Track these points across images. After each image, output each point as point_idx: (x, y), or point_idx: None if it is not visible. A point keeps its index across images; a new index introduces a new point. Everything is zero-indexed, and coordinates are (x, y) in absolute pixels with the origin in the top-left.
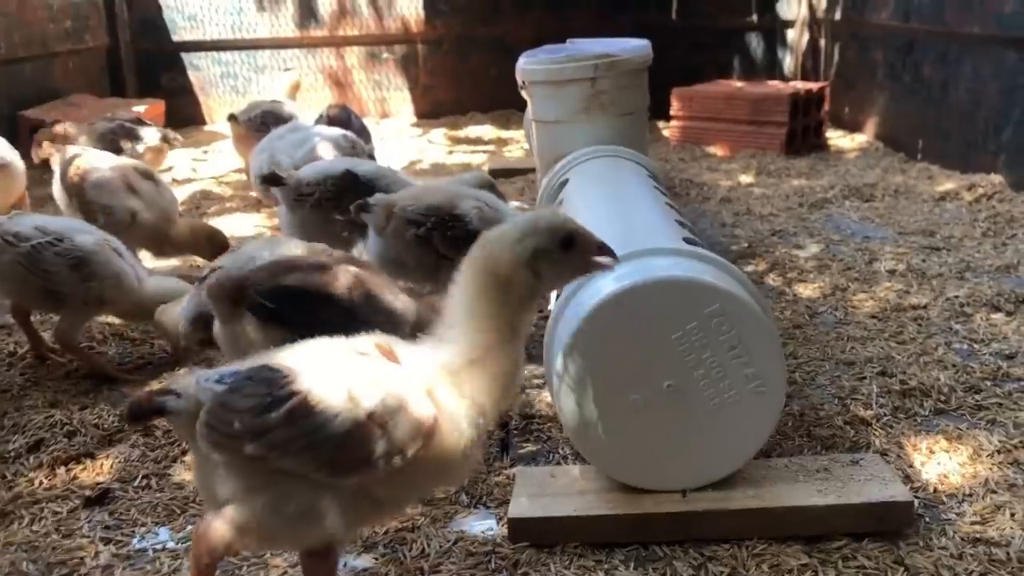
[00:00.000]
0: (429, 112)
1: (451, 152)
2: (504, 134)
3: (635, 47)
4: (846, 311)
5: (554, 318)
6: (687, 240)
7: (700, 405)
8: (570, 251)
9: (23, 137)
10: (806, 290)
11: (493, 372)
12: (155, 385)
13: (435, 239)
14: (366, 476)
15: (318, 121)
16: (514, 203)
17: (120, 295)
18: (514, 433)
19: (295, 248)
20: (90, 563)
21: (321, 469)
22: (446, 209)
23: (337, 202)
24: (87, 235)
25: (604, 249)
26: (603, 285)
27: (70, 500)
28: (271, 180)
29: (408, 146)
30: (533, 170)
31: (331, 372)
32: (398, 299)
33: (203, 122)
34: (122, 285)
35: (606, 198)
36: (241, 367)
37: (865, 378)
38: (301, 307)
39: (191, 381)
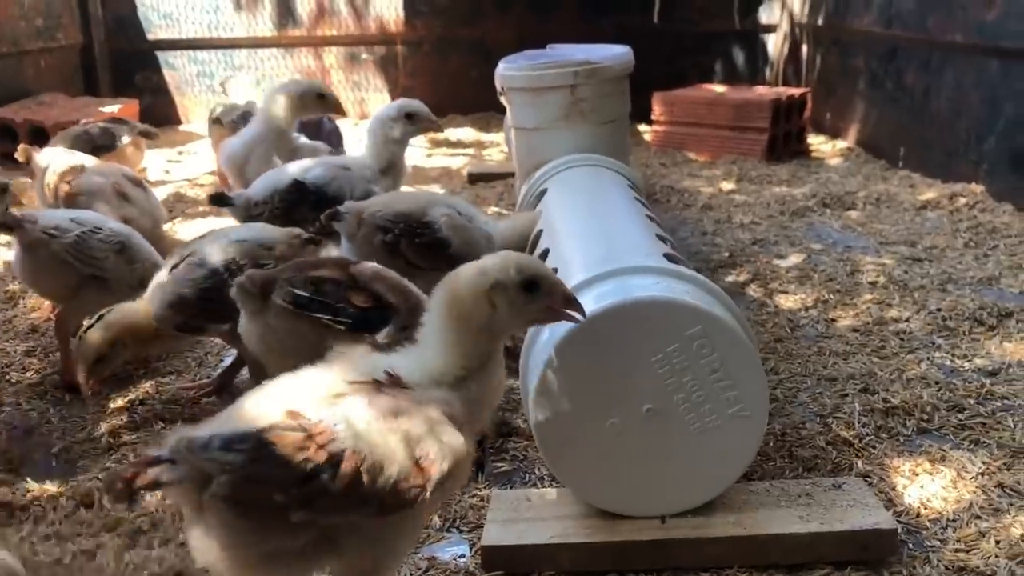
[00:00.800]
0: None
1: (430, 155)
2: (484, 137)
3: (616, 54)
4: (828, 324)
5: (530, 337)
6: (668, 256)
7: (680, 429)
8: (532, 294)
9: None
10: (787, 302)
11: (467, 398)
12: (115, 402)
13: (402, 245)
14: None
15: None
16: (492, 209)
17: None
18: (490, 452)
19: (272, 231)
20: None
21: (370, 516)
22: (415, 216)
23: (289, 215)
24: (117, 223)
25: (572, 303)
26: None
27: None
28: (218, 201)
29: None
30: (511, 174)
31: (362, 420)
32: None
33: (178, 122)
34: (158, 266)
35: (585, 211)
36: (245, 429)
37: (847, 395)
38: (334, 296)
39: (180, 445)
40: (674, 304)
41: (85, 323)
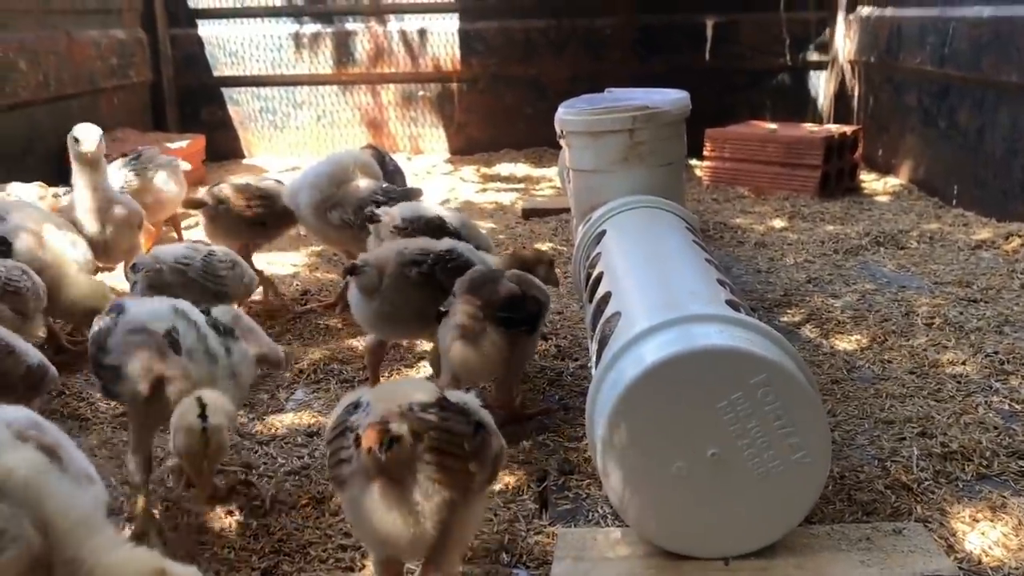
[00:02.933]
0: (462, 149)
1: (483, 190)
2: (536, 172)
3: (674, 99)
4: (884, 366)
5: (596, 383)
6: (729, 302)
7: (744, 474)
8: None
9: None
10: (843, 343)
11: None
12: None
13: (438, 272)
14: None
15: None
16: (547, 244)
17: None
18: (552, 490)
19: None
20: None
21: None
22: (435, 248)
23: None
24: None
25: None
26: (646, 353)
27: None
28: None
29: (440, 183)
30: (566, 210)
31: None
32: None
33: (241, 156)
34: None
35: (646, 255)
36: (424, 398)
37: (905, 439)
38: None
39: (393, 410)
40: (740, 353)
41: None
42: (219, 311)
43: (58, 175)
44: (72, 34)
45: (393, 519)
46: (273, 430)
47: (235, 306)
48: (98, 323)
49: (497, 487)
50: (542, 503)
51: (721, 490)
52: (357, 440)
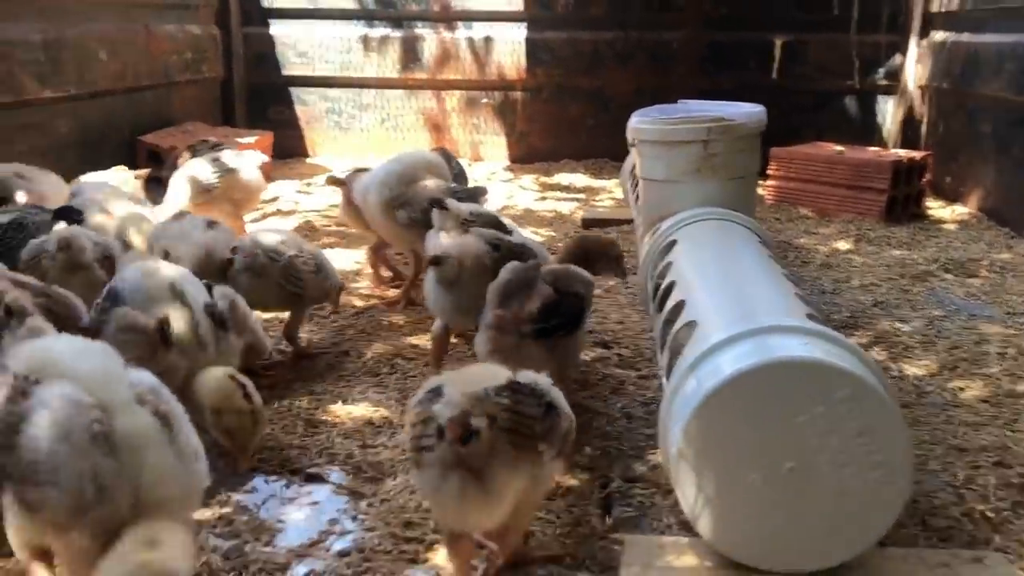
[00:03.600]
0: (522, 157)
1: (543, 198)
2: (596, 183)
3: (750, 112)
4: (955, 393)
5: (672, 391)
6: (809, 316)
7: (821, 489)
8: None
9: (140, 160)
10: (912, 368)
11: None
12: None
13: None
14: None
15: None
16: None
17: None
18: (616, 497)
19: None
20: None
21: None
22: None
23: None
24: (305, 243)
25: None
26: (725, 363)
27: None
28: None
29: (499, 190)
30: (626, 221)
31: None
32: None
33: (306, 155)
34: (339, 284)
35: (719, 265)
36: (497, 381)
37: (980, 468)
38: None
39: (476, 397)
40: (824, 366)
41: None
42: (219, 294)
43: (130, 164)
44: (151, 27)
45: (471, 501)
46: (335, 419)
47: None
48: (92, 311)
49: (560, 491)
50: (605, 509)
51: (796, 505)
52: (440, 432)
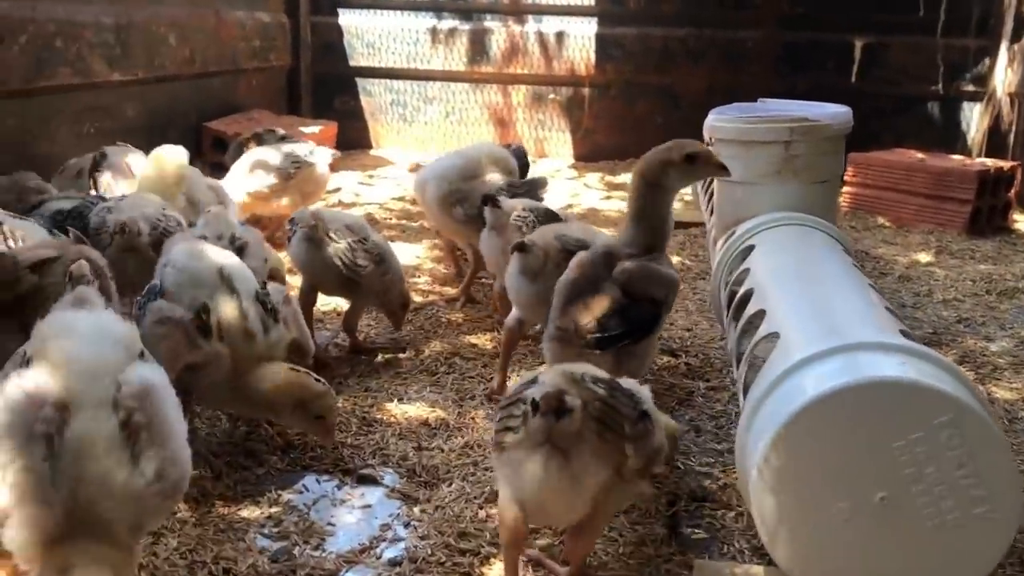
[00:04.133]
0: (587, 155)
1: (608, 198)
2: None
3: (835, 113)
4: None
5: (753, 408)
6: (902, 332)
7: (915, 523)
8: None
9: (205, 146)
10: (1001, 391)
11: None
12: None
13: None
14: None
15: None
16: (675, 259)
17: (400, 286)
18: (683, 516)
19: None
20: None
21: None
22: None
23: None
24: (374, 233)
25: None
26: (813, 381)
27: None
28: (487, 201)
29: (563, 188)
30: (695, 224)
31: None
32: None
33: (370, 146)
34: (402, 278)
35: (802, 274)
36: (598, 374)
37: None
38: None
39: (573, 379)
40: (924, 388)
41: None
42: (274, 289)
43: (195, 150)
44: (220, 13)
45: (553, 481)
46: (389, 418)
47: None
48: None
49: (625, 508)
50: (672, 528)
51: (887, 539)
52: (534, 405)
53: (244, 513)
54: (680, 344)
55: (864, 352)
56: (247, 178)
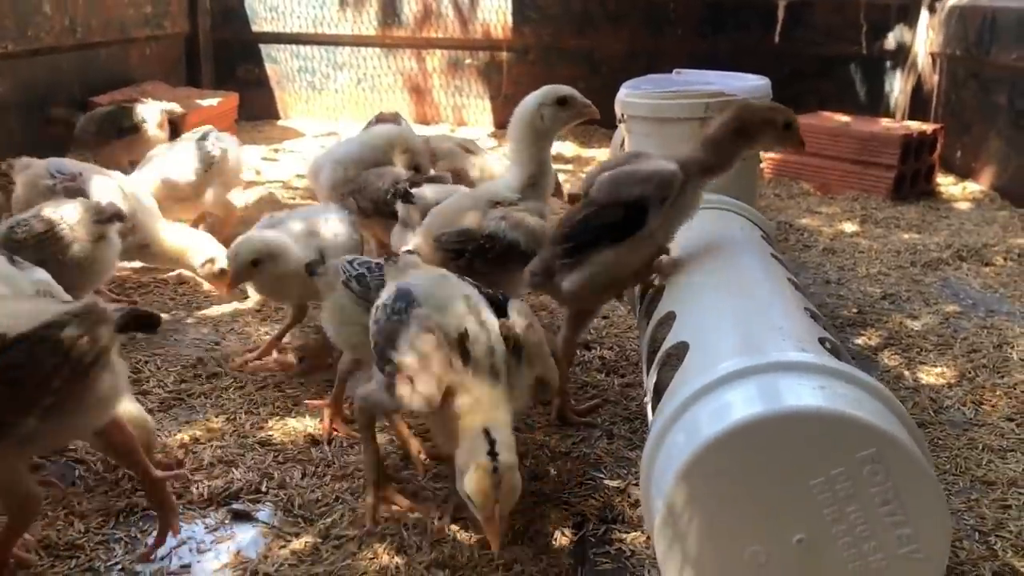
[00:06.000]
0: (508, 122)
1: None
2: (585, 153)
3: (753, 86)
4: (976, 408)
5: (658, 435)
6: (822, 340)
7: (836, 566)
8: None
9: None
10: (928, 376)
11: None
12: None
13: (476, 265)
14: None
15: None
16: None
17: None
18: (591, 542)
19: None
20: None
21: None
22: (477, 233)
23: None
24: None
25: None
26: (726, 406)
27: None
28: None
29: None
30: None
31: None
32: None
33: (277, 117)
34: None
35: (718, 271)
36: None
37: (1010, 507)
38: None
39: None
40: (845, 420)
41: None
42: (515, 309)
43: None
44: None
45: None
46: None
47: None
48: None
49: (528, 531)
50: (579, 559)
51: None
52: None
53: (95, 563)
54: (594, 335)
55: (781, 374)
56: (163, 171)
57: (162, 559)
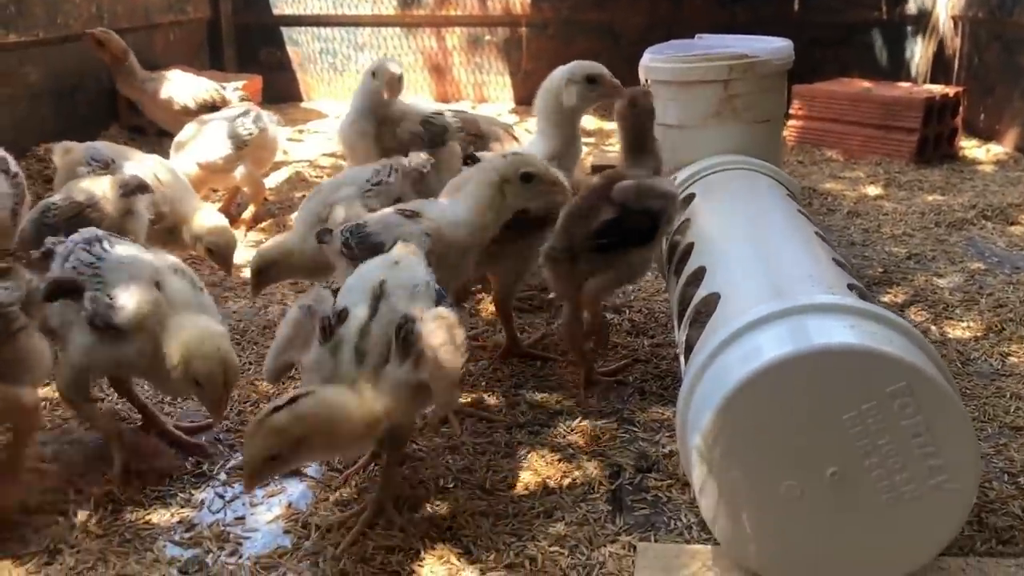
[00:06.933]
0: (529, 98)
1: None
2: (607, 125)
3: (776, 48)
4: (1004, 360)
5: (692, 379)
6: (851, 287)
7: (869, 498)
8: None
9: (122, 110)
10: (955, 330)
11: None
12: None
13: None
14: None
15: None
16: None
17: None
18: (627, 489)
19: None
20: None
21: None
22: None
23: None
24: None
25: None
26: (757, 349)
27: None
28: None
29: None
30: None
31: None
32: None
33: (300, 99)
34: None
35: (745, 224)
36: None
37: None
38: None
39: None
40: (876, 355)
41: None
42: (436, 313)
43: (109, 114)
44: None
45: None
46: None
47: None
48: None
49: (565, 482)
50: (616, 505)
51: (840, 516)
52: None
53: (153, 518)
54: (623, 299)
55: (811, 315)
56: (196, 150)
57: (217, 512)
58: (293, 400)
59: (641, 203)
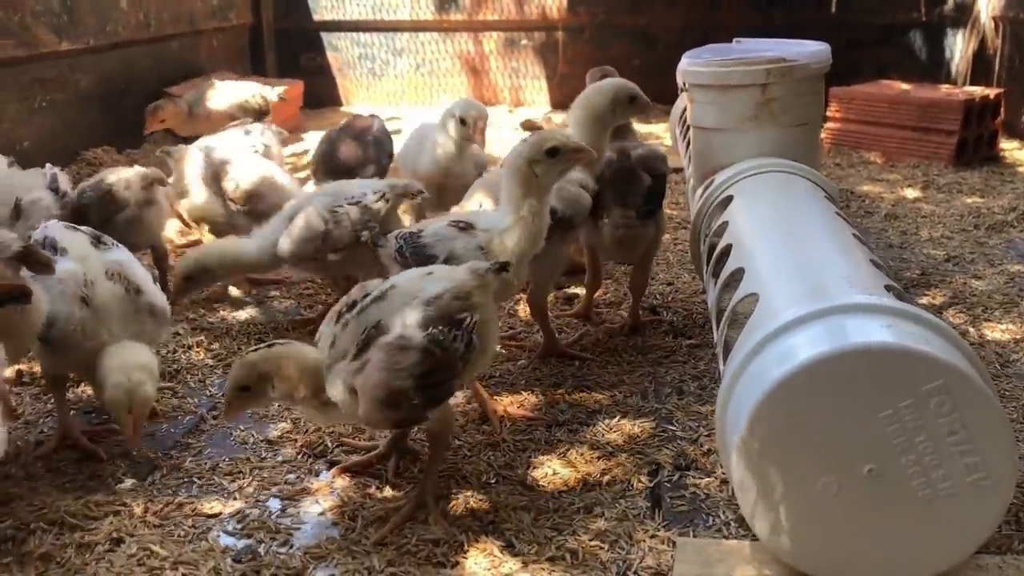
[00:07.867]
0: (565, 102)
1: None
2: (642, 128)
3: (813, 51)
4: None
5: (732, 378)
6: (888, 288)
7: (905, 495)
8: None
9: None
10: (993, 332)
11: None
12: None
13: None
14: None
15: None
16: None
17: None
18: (666, 486)
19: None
20: None
21: None
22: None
23: None
24: None
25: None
26: (795, 348)
27: None
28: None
29: None
30: (676, 171)
31: None
32: None
33: (339, 103)
34: None
35: (783, 226)
36: None
37: None
38: None
39: None
40: (912, 354)
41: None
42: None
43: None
44: None
45: None
46: None
47: None
48: None
49: (604, 479)
50: (655, 501)
51: (876, 513)
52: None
53: (207, 509)
54: (661, 300)
55: (848, 315)
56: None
57: (266, 503)
58: (270, 345)
59: (660, 169)
